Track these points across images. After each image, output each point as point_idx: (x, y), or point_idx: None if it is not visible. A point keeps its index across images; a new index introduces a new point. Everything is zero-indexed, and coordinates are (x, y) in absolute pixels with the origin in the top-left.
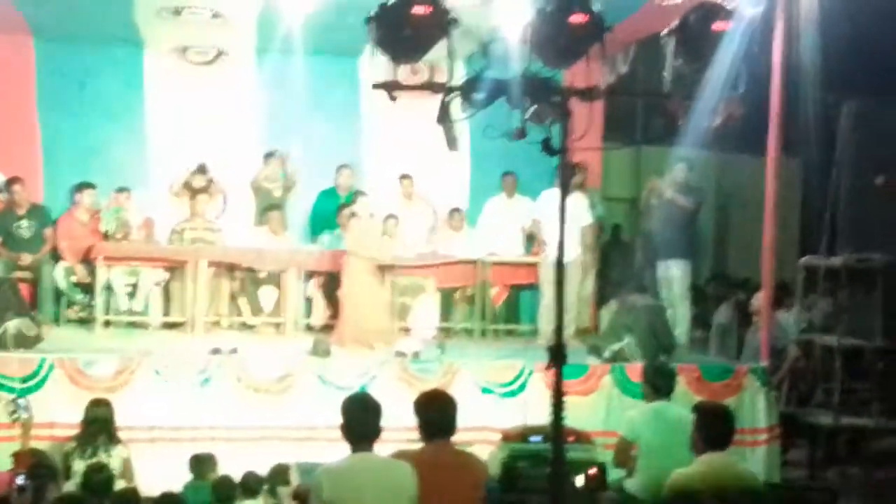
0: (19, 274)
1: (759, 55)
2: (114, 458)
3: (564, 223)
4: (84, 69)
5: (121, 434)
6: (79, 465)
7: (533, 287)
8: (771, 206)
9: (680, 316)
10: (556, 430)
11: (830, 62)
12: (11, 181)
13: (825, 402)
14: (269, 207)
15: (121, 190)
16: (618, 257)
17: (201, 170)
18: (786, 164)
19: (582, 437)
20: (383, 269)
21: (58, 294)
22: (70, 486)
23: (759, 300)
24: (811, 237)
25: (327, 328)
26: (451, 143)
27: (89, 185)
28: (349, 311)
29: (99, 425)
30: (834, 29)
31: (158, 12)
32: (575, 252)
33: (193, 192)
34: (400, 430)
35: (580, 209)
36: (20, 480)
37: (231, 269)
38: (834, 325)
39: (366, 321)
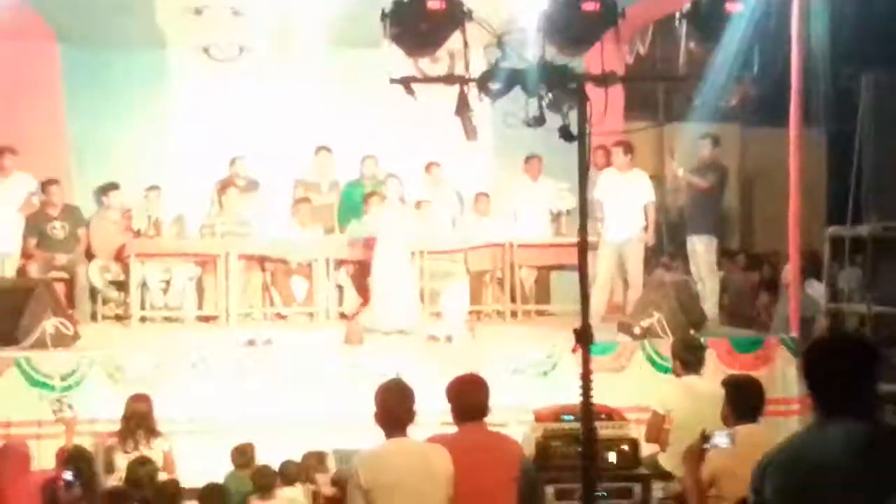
0: (55, 274)
1: (775, 30)
2: (154, 451)
3: (586, 204)
4: (109, 71)
5: (160, 427)
6: (121, 460)
7: (562, 268)
8: (795, 179)
9: (709, 290)
10: (586, 410)
11: (847, 33)
12: (47, 183)
13: None
14: (300, 200)
15: (151, 188)
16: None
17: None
18: (809, 137)
19: (614, 415)
20: (413, 254)
21: (93, 292)
22: (113, 481)
23: (788, 272)
24: (836, 208)
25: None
26: (471, 133)
27: (114, 186)
28: (378, 296)
29: (138, 420)
30: (847, 1)
31: (180, 12)
32: (638, 228)
33: (226, 188)
34: (433, 413)
35: (642, 186)
36: (68, 476)
37: (262, 261)
38: (862, 294)
39: (395, 306)
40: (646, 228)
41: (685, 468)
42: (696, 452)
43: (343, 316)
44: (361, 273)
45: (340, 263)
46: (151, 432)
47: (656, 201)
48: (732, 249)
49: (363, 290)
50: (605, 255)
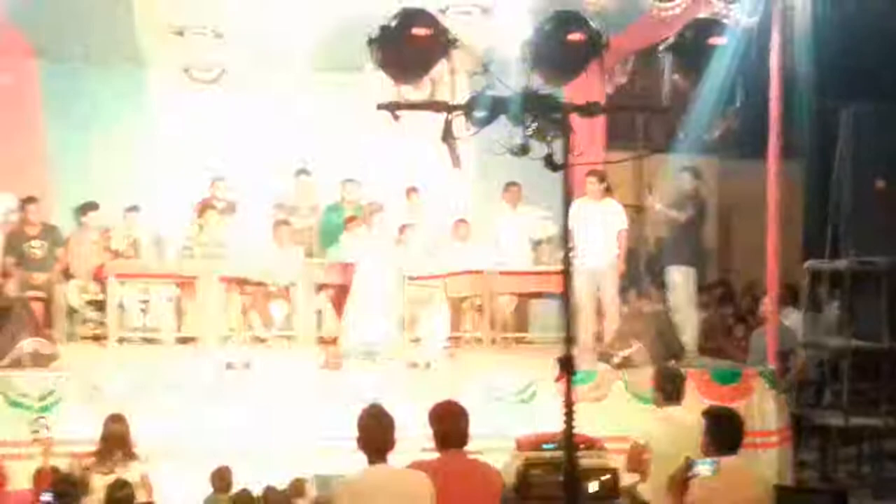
0: (33, 293)
1: (757, 64)
2: (131, 473)
3: (569, 233)
4: (89, 90)
5: (138, 450)
6: (98, 482)
7: (541, 296)
8: (774, 211)
9: (687, 321)
10: (568, 441)
11: (827, 69)
12: (26, 201)
13: (834, 404)
14: (279, 223)
15: (130, 208)
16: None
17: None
18: (787, 170)
19: (594, 444)
20: (404, 278)
21: (71, 312)
22: (91, 503)
23: (766, 304)
24: (815, 241)
25: (338, 340)
26: (455, 161)
27: (93, 206)
28: (353, 320)
29: (116, 441)
30: (829, 36)
31: (162, 32)
32: (611, 257)
33: (205, 210)
34: (413, 440)
35: (615, 215)
36: (46, 497)
37: (241, 283)
38: (841, 328)
39: (371, 331)
40: (618, 256)
41: (669, 496)
42: (680, 480)
43: (322, 340)
44: (341, 297)
45: (320, 287)
46: (129, 454)
47: (635, 232)
48: (711, 283)
49: (343, 315)
50: (579, 284)
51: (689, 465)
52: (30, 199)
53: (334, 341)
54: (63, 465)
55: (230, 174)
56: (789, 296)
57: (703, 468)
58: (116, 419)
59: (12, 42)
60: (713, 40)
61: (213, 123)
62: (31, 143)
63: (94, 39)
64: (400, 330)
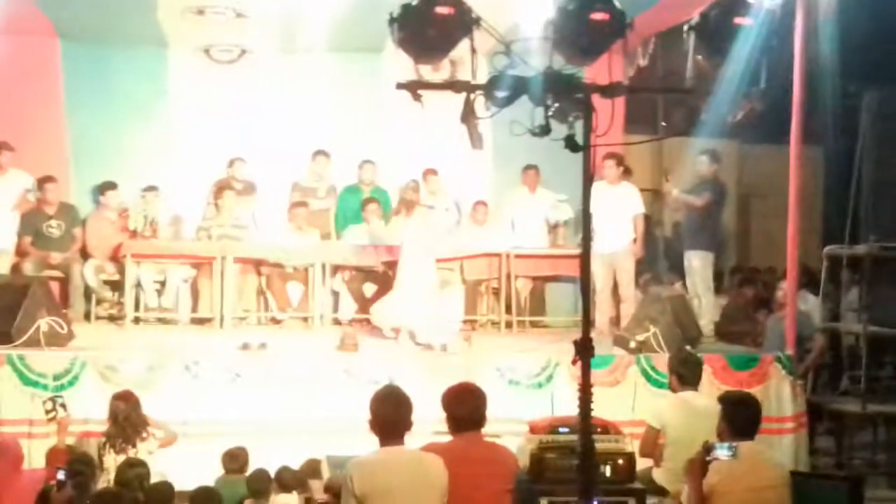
0: (50, 273)
1: (779, 47)
2: (141, 452)
3: (590, 217)
4: (110, 70)
5: (153, 430)
6: (109, 461)
7: (558, 279)
8: (794, 196)
9: (705, 306)
10: (584, 422)
11: (851, 52)
12: (44, 180)
13: (851, 390)
14: (296, 204)
15: (148, 188)
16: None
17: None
18: (808, 154)
19: (609, 428)
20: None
21: (88, 292)
22: (103, 482)
23: (784, 288)
24: (834, 226)
25: (354, 322)
26: (476, 141)
27: (111, 185)
28: (396, 296)
29: (123, 419)
30: (853, 19)
31: (182, 13)
32: (627, 240)
33: (223, 190)
34: (428, 423)
35: (631, 199)
36: (60, 475)
37: (257, 264)
38: (859, 314)
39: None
40: (635, 241)
41: (687, 480)
42: (699, 464)
43: (338, 322)
44: (358, 280)
45: (336, 269)
46: (137, 432)
47: (653, 216)
48: (730, 266)
49: (358, 297)
50: (596, 268)
51: (708, 448)
52: (48, 179)
53: (351, 323)
54: (78, 444)
55: (248, 155)
56: (807, 281)
57: (723, 452)
58: (122, 397)
59: (34, 22)
60: (738, 20)
61: (232, 104)
62: (51, 122)
63: (115, 19)
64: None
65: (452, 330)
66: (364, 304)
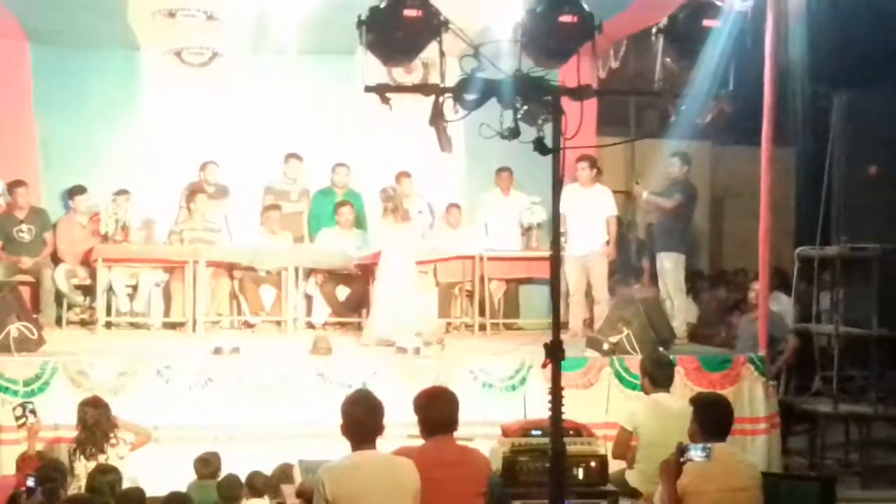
0: (20, 277)
1: (750, 49)
2: (112, 458)
3: (559, 219)
4: (80, 72)
5: (123, 435)
6: (80, 467)
7: (531, 282)
8: (766, 197)
9: (677, 307)
10: (555, 425)
11: (821, 54)
12: (14, 185)
13: (824, 390)
14: (269, 207)
15: (119, 192)
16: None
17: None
18: (780, 156)
19: (581, 430)
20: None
21: (59, 297)
22: (73, 489)
23: (756, 289)
24: (806, 227)
25: (328, 326)
26: (445, 144)
27: (81, 190)
28: (381, 309)
29: (93, 426)
30: (823, 22)
31: (153, 15)
32: (600, 243)
33: (195, 194)
34: (401, 426)
35: (604, 201)
36: (30, 482)
37: (230, 268)
38: (830, 314)
39: (402, 319)
40: (608, 243)
41: (661, 481)
42: (673, 465)
43: (311, 326)
44: (331, 283)
45: (310, 272)
46: (107, 438)
47: (626, 218)
48: (700, 270)
49: (332, 301)
50: (569, 269)
51: (682, 450)
52: (18, 183)
53: (323, 327)
54: (49, 450)
55: (221, 158)
56: (780, 282)
57: (696, 453)
58: (90, 402)
59: (3, 24)
60: (707, 22)
61: (203, 107)
62: (20, 125)
63: (85, 22)
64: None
65: (426, 332)
66: (337, 307)
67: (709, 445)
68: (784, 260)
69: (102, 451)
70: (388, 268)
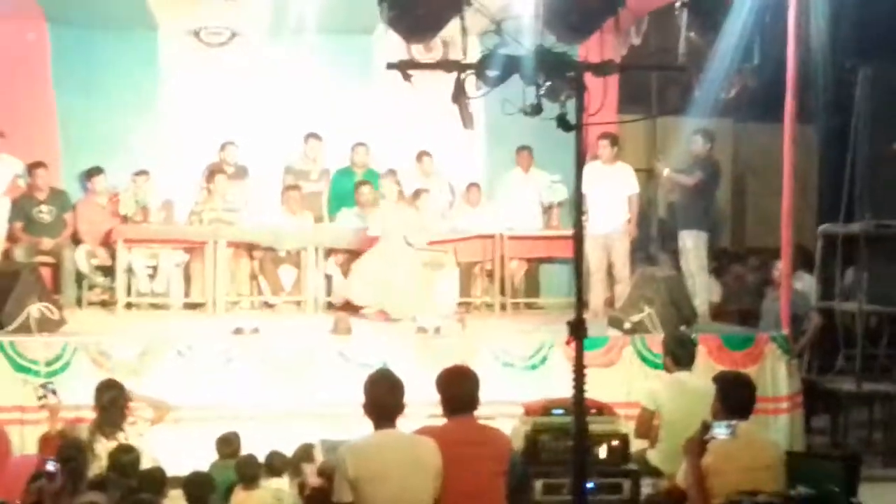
0: (41, 258)
1: (773, 23)
2: (132, 436)
3: (582, 195)
4: (99, 53)
5: (142, 412)
6: (100, 447)
7: (552, 261)
8: (788, 174)
9: (699, 286)
10: (578, 404)
11: (845, 28)
12: (34, 166)
13: (847, 369)
14: (289, 187)
15: (139, 172)
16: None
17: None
18: (803, 132)
19: (604, 409)
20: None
21: (79, 277)
22: (95, 468)
23: (780, 268)
24: (829, 205)
25: (348, 306)
26: (467, 121)
27: (98, 171)
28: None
29: (110, 404)
30: None
31: None
32: (621, 221)
33: (214, 174)
34: (422, 406)
35: (626, 179)
36: (51, 467)
37: (250, 248)
38: (854, 292)
39: (392, 297)
40: (629, 221)
41: (686, 459)
42: (698, 443)
43: (331, 305)
44: (351, 263)
45: (329, 252)
46: (124, 416)
47: (649, 196)
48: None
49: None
50: (590, 248)
51: (707, 427)
52: (38, 164)
53: (345, 307)
54: (70, 429)
55: (240, 138)
56: (803, 260)
57: (721, 431)
58: (105, 385)
59: (22, 6)
60: None
61: (222, 87)
62: (40, 107)
63: (103, 2)
64: (412, 296)
65: (447, 312)
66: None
67: (734, 423)
68: (807, 237)
69: (122, 430)
70: (379, 249)
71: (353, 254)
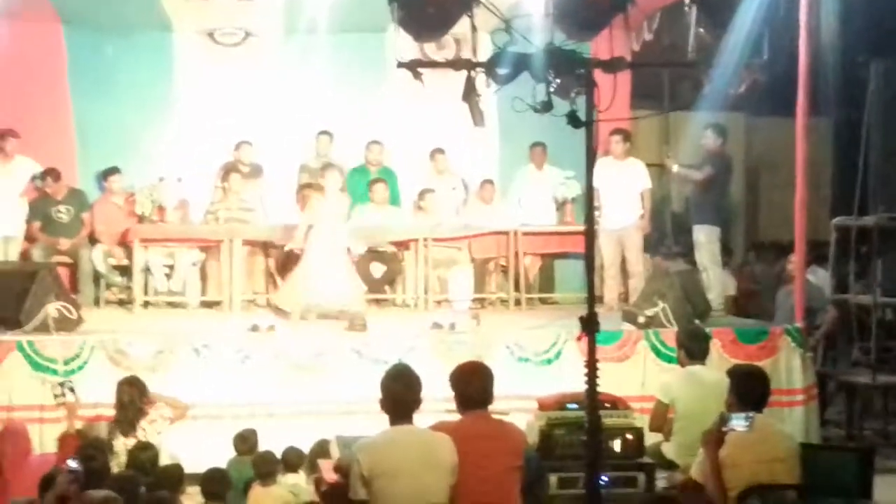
0: (58, 258)
1: (783, 17)
2: (150, 434)
3: (593, 191)
4: (114, 54)
5: (161, 411)
6: (119, 444)
7: (566, 256)
8: (801, 168)
9: (713, 280)
10: (591, 398)
11: (857, 20)
12: (48, 172)
13: (861, 361)
14: (304, 186)
15: (160, 179)
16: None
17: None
18: (815, 125)
19: (618, 403)
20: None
21: (96, 277)
22: (114, 466)
23: (793, 261)
24: (842, 198)
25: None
26: (478, 119)
27: (115, 170)
28: (305, 278)
29: (129, 403)
30: None
31: None
32: (635, 216)
33: (229, 173)
34: (437, 401)
35: (639, 174)
36: (73, 465)
37: (265, 247)
38: (868, 285)
39: (330, 286)
40: (643, 216)
41: (704, 451)
42: (715, 435)
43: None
44: (366, 259)
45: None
46: (144, 414)
47: (661, 191)
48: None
49: (367, 279)
50: (604, 243)
51: (724, 419)
52: (52, 171)
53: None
54: (88, 428)
55: (255, 138)
56: (817, 253)
57: (738, 423)
58: (127, 382)
59: (37, 8)
60: None
61: (237, 87)
62: (56, 108)
63: (118, 4)
64: (361, 286)
65: (462, 308)
66: (372, 284)
67: (751, 415)
68: (821, 231)
69: (140, 429)
70: (314, 240)
71: (368, 251)
